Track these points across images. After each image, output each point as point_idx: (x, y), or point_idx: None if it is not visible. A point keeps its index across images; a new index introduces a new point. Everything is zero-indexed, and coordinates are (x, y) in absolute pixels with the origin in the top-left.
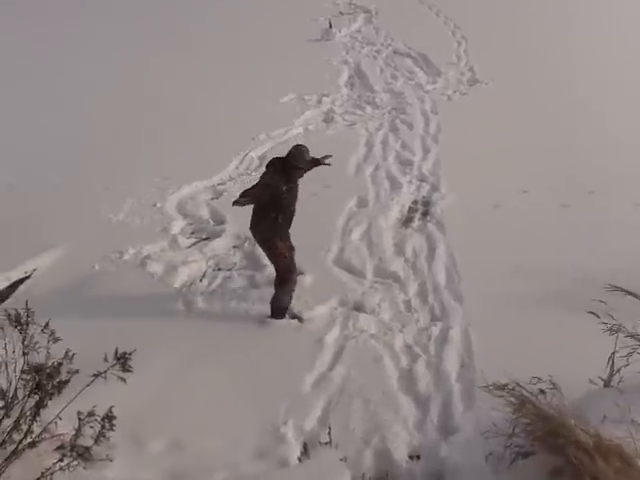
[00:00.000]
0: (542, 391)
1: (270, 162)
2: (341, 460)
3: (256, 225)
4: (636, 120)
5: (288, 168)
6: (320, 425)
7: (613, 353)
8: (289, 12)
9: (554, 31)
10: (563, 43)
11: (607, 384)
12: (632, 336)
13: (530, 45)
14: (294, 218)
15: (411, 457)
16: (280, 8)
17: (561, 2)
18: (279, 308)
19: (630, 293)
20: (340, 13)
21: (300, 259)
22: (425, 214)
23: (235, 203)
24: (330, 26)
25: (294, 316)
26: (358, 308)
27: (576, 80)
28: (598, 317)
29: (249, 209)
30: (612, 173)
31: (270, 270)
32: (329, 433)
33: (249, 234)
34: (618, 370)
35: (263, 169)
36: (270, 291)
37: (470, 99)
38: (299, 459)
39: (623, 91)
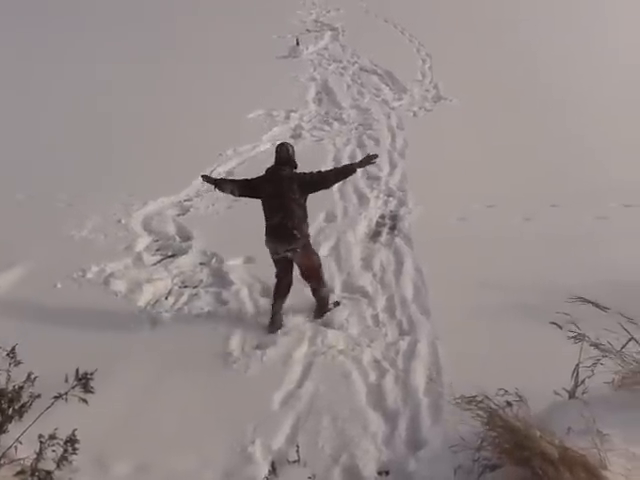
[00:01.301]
0: (509, 403)
1: (276, 170)
2: (309, 478)
3: (302, 232)
4: (597, 137)
5: (295, 165)
6: (288, 443)
7: (577, 364)
8: (256, 29)
9: (517, 50)
10: (525, 62)
11: (572, 395)
12: (596, 346)
13: (493, 63)
14: None
15: (380, 473)
16: (247, 25)
17: (526, 23)
18: (327, 299)
19: (593, 304)
20: (307, 30)
21: (268, 274)
22: (393, 228)
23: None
24: (297, 43)
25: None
26: (326, 324)
27: (537, 97)
28: (560, 328)
29: (218, 226)
30: (574, 187)
31: (236, 287)
32: (297, 451)
33: (215, 251)
34: (582, 381)
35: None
36: (237, 308)
37: (435, 115)
38: (267, 478)
39: (584, 108)
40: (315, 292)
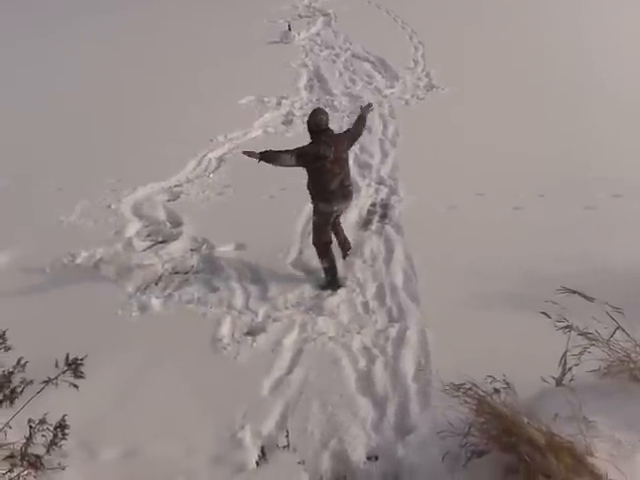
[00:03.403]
0: (496, 390)
1: (330, 134)
2: (299, 463)
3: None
4: (587, 128)
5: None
6: (278, 429)
7: (565, 352)
8: (248, 14)
9: (509, 39)
10: (517, 55)
11: (559, 383)
12: (584, 335)
13: (485, 52)
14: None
15: (369, 458)
16: (239, 10)
17: (517, 11)
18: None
19: (581, 294)
20: (299, 16)
21: (259, 261)
22: (383, 216)
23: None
24: (289, 29)
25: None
26: (317, 311)
27: (527, 89)
28: (549, 317)
29: (209, 212)
30: (562, 178)
31: (227, 274)
32: (287, 437)
33: (206, 237)
34: (569, 369)
35: (221, 170)
36: (228, 294)
37: (427, 104)
38: (257, 463)
39: (575, 100)
40: (343, 236)
